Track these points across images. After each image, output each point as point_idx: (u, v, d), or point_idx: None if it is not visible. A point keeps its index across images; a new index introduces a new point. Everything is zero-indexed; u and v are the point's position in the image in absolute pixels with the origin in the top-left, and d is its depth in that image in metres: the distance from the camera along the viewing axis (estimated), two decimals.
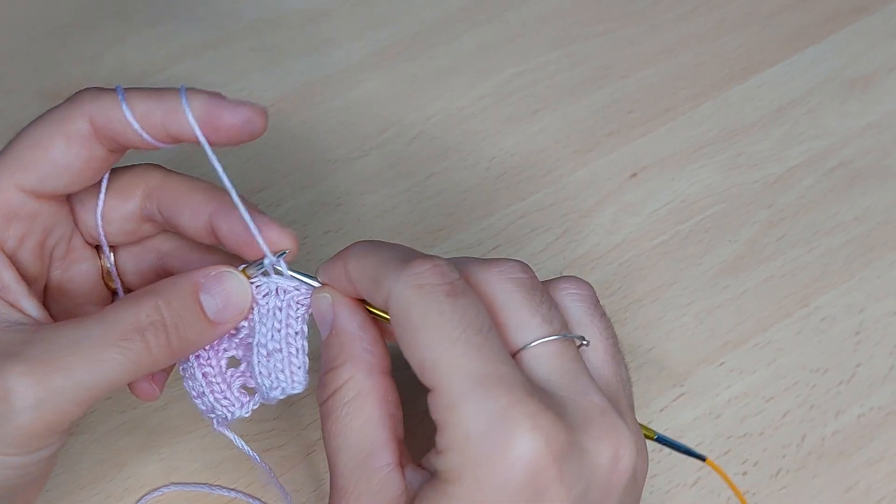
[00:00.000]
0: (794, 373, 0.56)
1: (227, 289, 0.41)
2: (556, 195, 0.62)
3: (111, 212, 0.44)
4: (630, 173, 0.63)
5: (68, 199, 0.44)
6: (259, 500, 0.50)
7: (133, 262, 0.46)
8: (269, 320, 0.42)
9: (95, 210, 0.44)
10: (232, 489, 0.51)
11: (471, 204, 0.62)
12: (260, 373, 0.42)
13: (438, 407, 0.36)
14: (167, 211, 0.43)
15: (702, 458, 0.46)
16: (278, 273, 0.42)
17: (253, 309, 0.42)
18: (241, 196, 0.40)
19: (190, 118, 0.39)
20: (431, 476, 0.37)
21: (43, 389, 0.37)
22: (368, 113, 0.66)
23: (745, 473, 0.52)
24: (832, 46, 0.69)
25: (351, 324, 0.41)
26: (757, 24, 0.71)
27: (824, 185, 0.63)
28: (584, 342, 0.40)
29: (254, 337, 0.42)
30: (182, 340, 0.40)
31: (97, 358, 0.38)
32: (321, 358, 0.41)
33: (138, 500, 0.50)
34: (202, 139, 0.39)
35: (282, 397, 0.42)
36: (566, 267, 0.59)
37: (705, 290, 0.58)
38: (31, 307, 0.41)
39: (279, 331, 0.42)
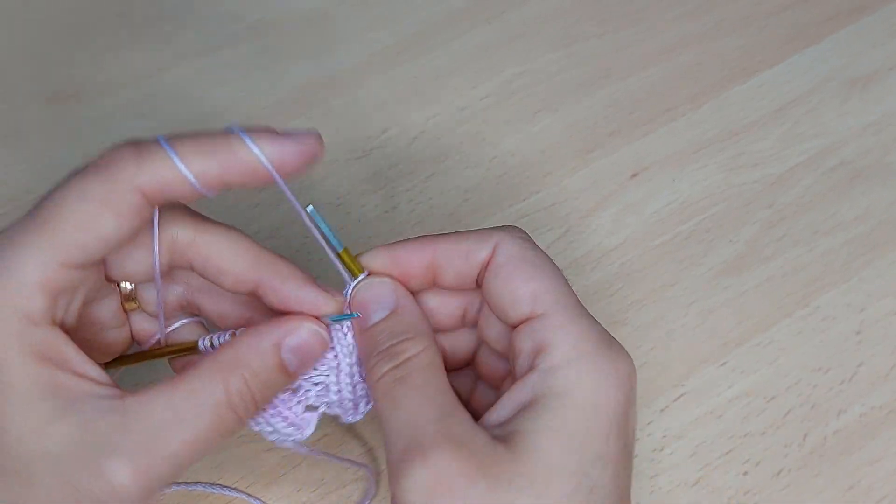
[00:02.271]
0: (795, 372, 0.56)
1: (307, 344, 0.41)
2: (557, 195, 0.62)
3: (135, 252, 0.42)
4: (631, 173, 0.63)
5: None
6: (259, 499, 0.50)
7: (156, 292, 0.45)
8: (347, 375, 0.43)
9: (124, 261, 0.43)
10: (233, 489, 0.51)
11: (472, 204, 0.62)
12: (327, 402, 0.44)
13: (548, 328, 0.40)
14: (203, 271, 0.42)
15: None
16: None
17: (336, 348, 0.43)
18: (285, 259, 0.43)
19: (266, 163, 0.39)
20: (532, 402, 0.39)
21: (149, 481, 0.37)
22: (369, 113, 0.66)
23: (746, 473, 0.52)
24: (832, 46, 0.69)
25: (415, 305, 0.43)
26: (757, 24, 0.71)
27: (825, 184, 0.63)
28: None
29: (328, 377, 0.43)
30: (266, 400, 0.41)
31: (197, 441, 0.38)
32: (374, 338, 0.42)
33: None
34: (281, 183, 0.39)
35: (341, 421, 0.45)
36: (567, 267, 0.59)
37: (706, 290, 0.58)
38: (97, 373, 0.39)
39: (349, 365, 0.43)
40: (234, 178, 0.39)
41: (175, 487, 0.50)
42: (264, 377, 0.40)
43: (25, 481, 0.37)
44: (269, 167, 0.39)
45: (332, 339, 0.42)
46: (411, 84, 0.67)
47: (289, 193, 0.40)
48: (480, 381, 0.47)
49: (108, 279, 0.43)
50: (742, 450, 0.53)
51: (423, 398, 0.39)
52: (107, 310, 0.44)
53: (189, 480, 0.51)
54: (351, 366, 0.43)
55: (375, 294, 0.43)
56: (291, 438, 0.44)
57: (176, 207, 0.42)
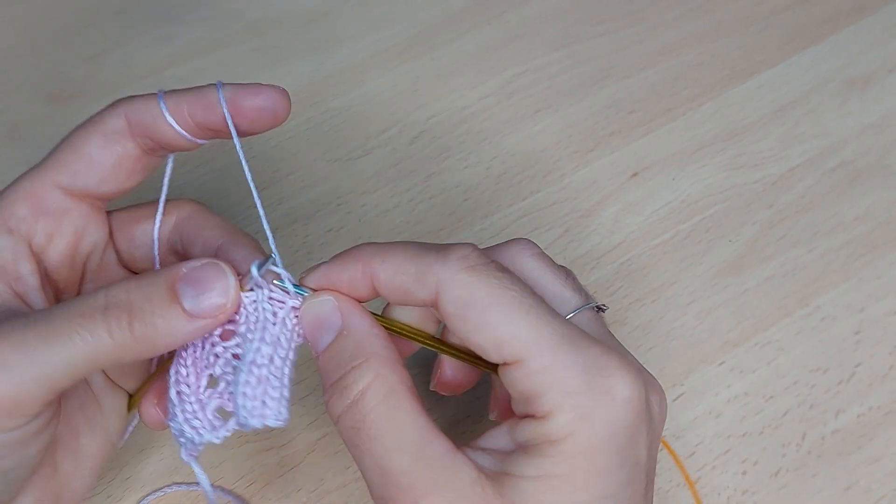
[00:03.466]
0: (794, 372, 0.56)
1: (208, 279, 0.38)
2: (557, 195, 0.62)
3: (141, 235, 0.45)
4: (631, 173, 0.63)
5: (109, 221, 0.45)
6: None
7: None
8: (270, 344, 0.39)
9: (129, 234, 0.45)
10: (232, 493, 0.51)
11: (472, 203, 0.62)
12: (244, 394, 0.38)
13: (529, 374, 0.36)
14: (185, 243, 0.44)
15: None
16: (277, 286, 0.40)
17: (244, 323, 0.39)
18: (249, 235, 0.43)
19: (223, 104, 0.40)
20: (526, 447, 0.37)
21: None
22: (370, 112, 0.66)
23: (744, 473, 0.52)
24: (832, 46, 0.69)
25: (363, 322, 0.39)
26: (757, 25, 0.71)
27: (825, 184, 0.63)
28: (604, 308, 0.44)
29: (244, 354, 0.39)
30: (148, 327, 0.37)
31: (54, 335, 0.36)
32: (324, 367, 0.39)
33: (140, 500, 0.50)
34: (231, 125, 0.41)
35: (258, 427, 0.38)
36: (567, 266, 0.59)
37: (706, 290, 0.59)
38: (38, 301, 0.40)
39: (280, 357, 0.39)
40: (202, 118, 0.41)
41: (177, 488, 0.51)
42: (149, 293, 0.37)
43: None
44: (224, 105, 0.41)
45: (261, 313, 0.39)
46: (412, 84, 0.67)
47: (239, 146, 0.42)
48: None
49: (123, 265, 0.45)
50: (740, 450, 0.53)
51: (389, 442, 0.37)
52: None
53: (190, 482, 0.51)
54: (270, 352, 0.39)
55: (319, 315, 0.40)
56: (191, 437, 0.40)
57: (184, 201, 0.45)
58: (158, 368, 0.45)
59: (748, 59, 0.69)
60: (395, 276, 0.39)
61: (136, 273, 0.46)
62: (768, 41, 0.70)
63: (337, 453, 0.52)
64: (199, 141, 0.42)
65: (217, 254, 0.42)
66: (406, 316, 0.42)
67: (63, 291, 0.43)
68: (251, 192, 0.61)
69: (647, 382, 0.38)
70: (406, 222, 0.61)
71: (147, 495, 0.50)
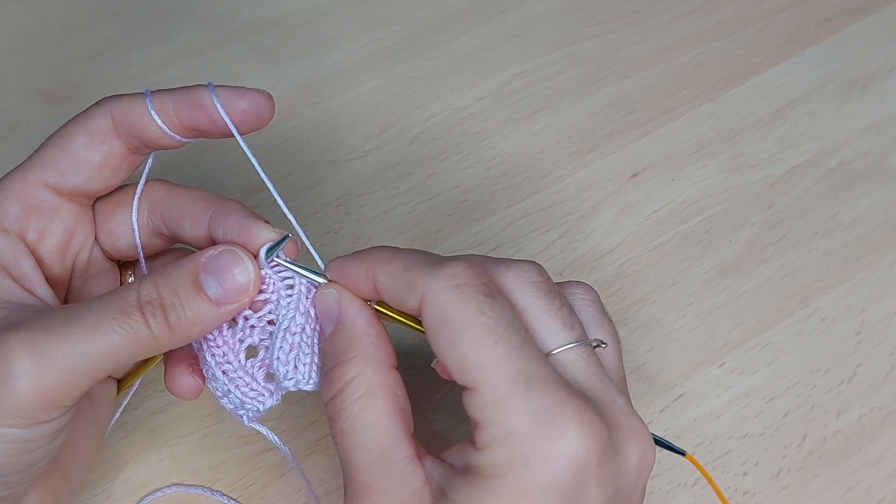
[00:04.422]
0: (794, 373, 0.56)
1: (226, 266, 0.40)
2: (556, 196, 0.62)
3: (120, 225, 0.45)
4: (630, 174, 0.63)
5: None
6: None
7: None
8: (296, 308, 0.41)
9: (108, 226, 0.45)
10: (232, 498, 0.50)
11: (471, 204, 0.62)
12: (278, 358, 0.41)
13: (481, 405, 0.36)
14: (170, 223, 0.44)
15: (682, 453, 0.45)
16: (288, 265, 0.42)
17: (275, 292, 0.42)
18: (235, 200, 0.43)
19: (219, 107, 0.41)
20: (465, 471, 0.37)
21: (41, 356, 0.37)
22: (368, 113, 0.66)
23: (745, 474, 0.52)
24: (832, 47, 0.69)
25: (359, 319, 0.40)
26: (756, 25, 0.71)
27: (824, 185, 0.63)
28: (603, 345, 0.41)
29: (280, 322, 0.41)
30: (181, 319, 0.39)
31: (96, 328, 0.38)
32: (324, 355, 0.41)
33: (140, 501, 0.50)
34: (230, 125, 0.41)
35: (292, 390, 0.41)
36: (566, 267, 0.59)
37: (705, 291, 0.58)
38: (47, 296, 0.42)
39: (311, 327, 0.42)
40: (189, 120, 0.42)
41: (176, 489, 0.50)
42: (176, 288, 0.39)
43: None
44: (221, 109, 0.41)
45: (295, 286, 0.42)
46: (410, 84, 0.67)
47: (241, 141, 0.42)
48: None
49: (108, 258, 0.46)
50: (741, 451, 0.53)
51: (356, 439, 0.38)
52: (104, 289, 0.46)
53: (189, 482, 0.51)
54: (301, 319, 0.41)
55: (323, 305, 0.41)
56: (251, 407, 0.42)
57: (153, 182, 0.45)
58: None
59: (747, 60, 0.69)
60: (392, 281, 0.39)
61: (117, 262, 0.47)
62: (767, 42, 0.70)
63: (336, 454, 0.52)
64: (184, 140, 0.43)
65: (210, 227, 0.42)
66: None
67: (54, 288, 0.43)
68: (250, 191, 0.61)
69: (618, 434, 0.37)
70: (405, 223, 0.61)
71: (147, 496, 0.50)
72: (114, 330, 0.38)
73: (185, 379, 0.44)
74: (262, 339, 0.42)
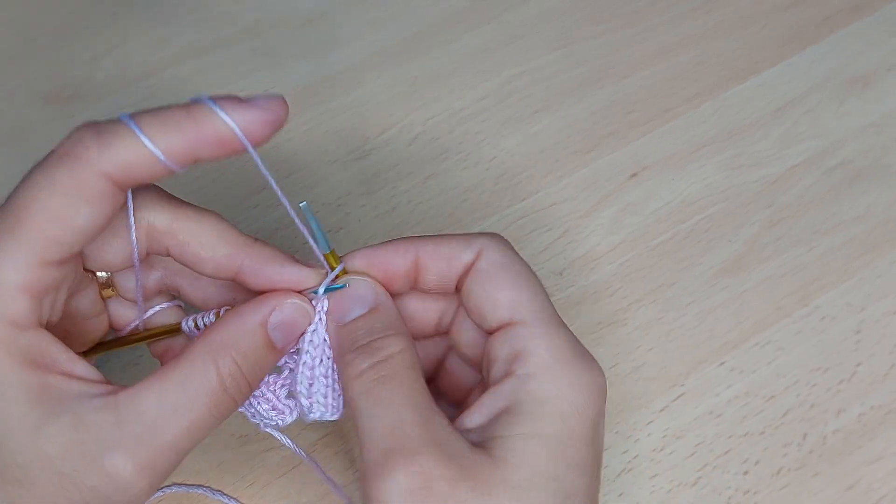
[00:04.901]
0: (794, 372, 0.56)
1: (292, 319, 0.41)
2: (556, 195, 0.62)
3: (111, 243, 0.42)
4: (630, 173, 0.63)
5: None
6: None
7: (133, 279, 0.44)
8: (318, 347, 0.42)
9: (98, 244, 0.42)
10: (232, 497, 0.51)
11: (471, 204, 0.62)
12: (300, 392, 0.42)
13: (527, 336, 0.40)
14: (181, 258, 0.42)
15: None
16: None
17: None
18: (264, 242, 0.43)
19: (237, 132, 0.37)
20: (510, 410, 0.39)
21: (151, 471, 0.37)
22: (368, 114, 0.66)
23: (746, 473, 0.52)
24: (831, 46, 0.69)
25: (394, 306, 0.43)
26: (756, 24, 0.71)
27: (824, 184, 0.63)
28: None
29: (299, 357, 0.42)
30: (257, 379, 0.40)
31: (194, 428, 0.38)
32: (349, 334, 0.41)
33: None
34: (252, 151, 0.38)
35: (318, 420, 0.43)
36: (567, 267, 0.59)
37: (705, 290, 0.58)
38: (86, 370, 0.39)
39: (328, 358, 0.42)
40: (203, 150, 0.37)
41: (177, 489, 0.50)
42: (254, 357, 0.40)
43: (26, 486, 0.37)
44: (241, 134, 0.37)
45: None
46: (410, 84, 0.67)
47: (261, 165, 0.39)
48: (440, 397, 0.46)
49: (85, 269, 0.43)
50: (741, 449, 0.53)
51: (405, 399, 0.39)
52: (85, 300, 0.44)
53: (190, 482, 0.51)
54: (321, 355, 0.42)
55: (353, 291, 0.42)
56: (273, 423, 0.44)
57: (151, 192, 0.42)
58: (118, 340, 0.46)
59: (747, 59, 0.69)
60: (442, 245, 0.43)
61: (95, 270, 0.44)
62: (767, 41, 0.70)
63: (337, 454, 0.52)
64: (181, 170, 0.38)
65: (240, 279, 0.42)
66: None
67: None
68: (250, 192, 0.61)
69: None
70: (405, 223, 0.61)
71: None
72: (207, 421, 0.38)
73: None
74: (285, 361, 0.43)
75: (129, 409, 0.37)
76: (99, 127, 0.37)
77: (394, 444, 0.38)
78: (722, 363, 0.56)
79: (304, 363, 0.42)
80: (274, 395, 0.43)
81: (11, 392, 0.37)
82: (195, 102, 0.37)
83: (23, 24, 0.70)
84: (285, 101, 0.39)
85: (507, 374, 0.40)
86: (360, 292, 0.42)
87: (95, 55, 0.68)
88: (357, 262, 0.43)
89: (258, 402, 0.43)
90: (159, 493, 0.50)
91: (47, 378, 0.37)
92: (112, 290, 0.45)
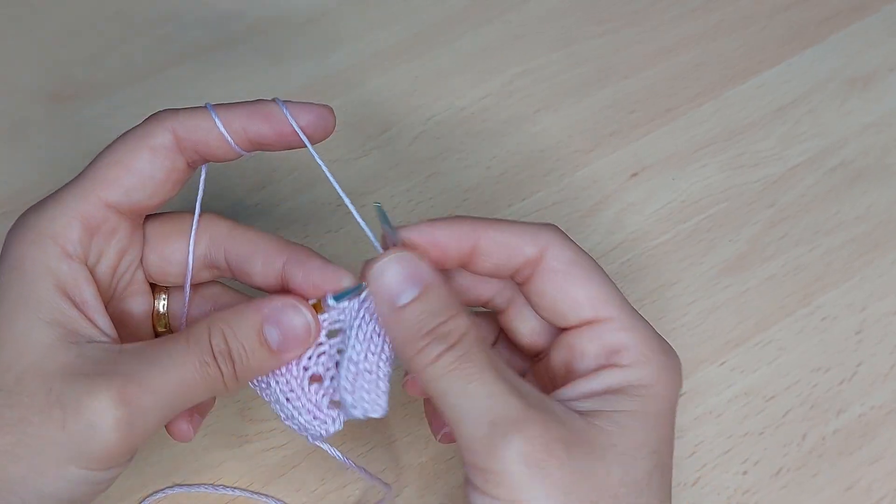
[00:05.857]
0: (795, 372, 0.56)
1: (288, 321, 0.42)
2: (558, 195, 0.62)
3: (175, 253, 0.45)
4: (631, 173, 0.63)
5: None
6: (262, 493, 0.50)
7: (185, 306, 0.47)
8: (364, 341, 0.42)
9: (162, 250, 0.45)
10: (235, 488, 0.51)
11: (472, 204, 0.62)
12: (345, 388, 0.42)
13: (617, 330, 0.42)
14: (236, 259, 0.44)
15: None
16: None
17: (343, 321, 0.43)
18: (305, 247, 0.44)
19: (294, 124, 0.43)
20: (615, 391, 0.41)
21: (131, 408, 0.38)
22: (369, 113, 0.66)
23: (745, 472, 0.52)
24: (832, 46, 0.69)
25: (444, 283, 0.41)
26: (757, 25, 0.71)
27: (825, 184, 0.63)
28: None
29: (345, 352, 0.42)
30: (246, 369, 0.41)
31: (181, 379, 0.39)
32: (414, 320, 0.40)
33: (141, 501, 0.50)
34: (306, 141, 0.43)
35: (361, 418, 0.42)
36: None
37: (707, 290, 0.59)
38: (106, 325, 0.42)
39: (373, 353, 0.42)
40: (264, 137, 0.43)
41: (178, 489, 0.50)
42: (244, 340, 0.41)
43: (14, 394, 0.39)
44: (297, 127, 0.43)
45: (356, 312, 0.42)
46: (411, 84, 0.67)
47: (318, 158, 0.44)
48: None
49: (149, 279, 0.46)
50: (741, 449, 0.53)
51: (491, 373, 0.39)
52: (137, 318, 0.46)
53: (191, 482, 0.51)
54: (366, 350, 0.42)
55: (404, 271, 0.41)
56: (314, 432, 0.43)
57: (213, 216, 0.46)
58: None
59: (748, 59, 0.69)
60: (505, 234, 0.43)
61: (157, 285, 0.47)
62: (768, 41, 0.70)
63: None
64: (246, 153, 0.44)
65: (286, 270, 0.43)
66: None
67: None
68: (252, 189, 0.61)
69: None
70: (406, 223, 0.60)
71: (148, 496, 0.50)
72: (196, 379, 0.40)
73: (181, 424, 0.45)
74: (328, 369, 0.43)
75: (128, 353, 0.40)
76: (176, 109, 0.43)
77: (499, 415, 0.38)
78: (723, 363, 0.56)
79: (349, 358, 0.42)
80: (313, 404, 0.43)
81: (40, 309, 0.40)
82: (264, 101, 0.43)
83: (26, 23, 0.70)
84: (332, 112, 0.45)
85: (606, 365, 0.42)
86: (416, 270, 0.41)
87: (98, 53, 0.68)
88: (414, 236, 0.43)
89: (299, 413, 0.43)
90: (160, 494, 0.50)
91: (72, 312, 0.41)
92: (163, 323, 0.47)
